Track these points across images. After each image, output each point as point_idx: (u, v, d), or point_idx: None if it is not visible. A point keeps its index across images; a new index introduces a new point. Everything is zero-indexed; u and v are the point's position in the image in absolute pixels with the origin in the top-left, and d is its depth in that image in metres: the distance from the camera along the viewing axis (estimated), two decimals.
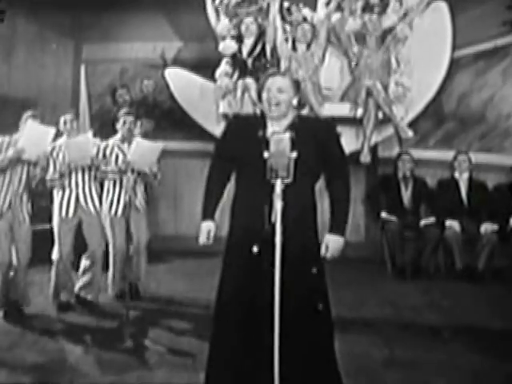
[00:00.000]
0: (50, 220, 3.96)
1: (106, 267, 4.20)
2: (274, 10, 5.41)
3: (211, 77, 5.78)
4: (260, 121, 2.38)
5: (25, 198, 3.78)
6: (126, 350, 3.23)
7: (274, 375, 2.11)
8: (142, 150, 3.97)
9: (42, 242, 3.95)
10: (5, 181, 3.68)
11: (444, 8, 5.67)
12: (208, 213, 2.46)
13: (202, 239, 2.44)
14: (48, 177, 3.84)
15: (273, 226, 2.11)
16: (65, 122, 3.95)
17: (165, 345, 3.30)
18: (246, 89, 5.50)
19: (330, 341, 2.35)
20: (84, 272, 4.01)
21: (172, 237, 6.09)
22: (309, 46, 5.48)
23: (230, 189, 2.47)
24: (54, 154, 3.88)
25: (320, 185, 2.42)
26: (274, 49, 5.57)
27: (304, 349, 2.25)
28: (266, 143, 2.21)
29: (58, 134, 3.82)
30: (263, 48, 5.55)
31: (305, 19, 5.59)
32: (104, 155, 4.05)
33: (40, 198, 4.06)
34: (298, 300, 2.21)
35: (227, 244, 2.39)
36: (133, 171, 3.99)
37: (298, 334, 2.21)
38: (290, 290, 2.14)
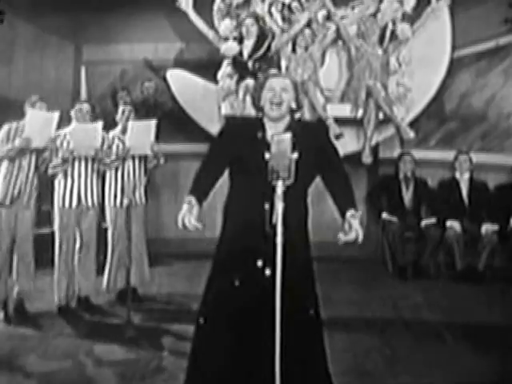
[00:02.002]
0: (51, 224, 3.96)
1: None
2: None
3: (213, 78, 5.78)
4: (258, 123, 2.38)
5: (34, 183, 3.80)
6: (127, 353, 3.23)
7: (273, 374, 2.11)
8: (138, 131, 3.97)
9: (43, 245, 3.95)
10: (14, 168, 3.70)
11: (444, 8, 5.66)
12: (199, 194, 2.26)
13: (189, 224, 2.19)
14: (51, 164, 3.83)
15: (273, 228, 2.11)
16: (80, 110, 3.89)
17: (165, 347, 3.31)
18: (247, 90, 5.50)
19: (321, 339, 2.36)
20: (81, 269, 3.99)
21: (172, 239, 6.09)
22: (307, 48, 5.49)
23: (223, 189, 2.43)
24: (58, 141, 3.85)
25: (319, 186, 2.42)
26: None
27: (300, 351, 2.25)
28: (265, 145, 2.22)
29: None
30: (268, 49, 5.54)
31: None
32: (107, 147, 4.04)
33: (41, 200, 4.04)
34: (296, 302, 2.22)
35: (220, 245, 2.36)
36: (134, 159, 3.99)
37: (294, 336, 2.21)
38: (290, 291, 2.13)
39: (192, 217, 2.19)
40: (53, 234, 3.96)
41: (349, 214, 2.23)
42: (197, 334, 2.37)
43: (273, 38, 5.55)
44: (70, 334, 3.55)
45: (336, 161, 2.41)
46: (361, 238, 2.20)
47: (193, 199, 2.23)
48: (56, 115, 3.63)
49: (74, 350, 3.27)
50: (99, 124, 3.88)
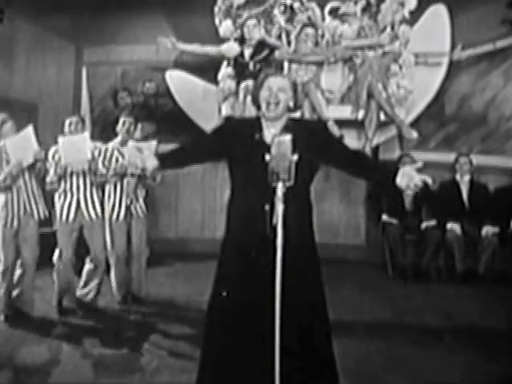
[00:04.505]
0: (51, 224, 3.96)
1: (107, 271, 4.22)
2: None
3: (213, 79, 5.78)
4: (256, 123, 2.38)
5: (37, 196, 3.81)
6: (127, 354, 3.23)
7: (273, 377, 2.10)
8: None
9: (44, 245, 3.95)
10: (14, 193, 3.71)
11: (443, 11, 5.69)
12: (164, 158, 2.39)
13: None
14: (48, 179, 3.84)
15: (274, 229, 2.11)
16: (70, 124, 3.92)
17: (165, 348, 3.31)
18: (247, 91, 5.49)
19: (329, 342, 2.35)
20: (87, 277, 4.00)
21: (172, 240, 6.10)
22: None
23: (223, 190, 2.45)
24: (56, 156, 3.86)
25: (317, 188, 2.42)
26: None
27: (303, 351, 2.25)
28: (263, 146, 2.22)
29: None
30: (271, 52, 5.53)
31: (309, 19, 5.58)
32: (104, 159, 4.03)
33: (47, 205, 4.04)
34: (297, 302, 2.21)
35: (223, 246, 2.38)
36: (132, 175, 3.99)
37: (297, 336, 2.21)
38: (290, 293, 2.13)
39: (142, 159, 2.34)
40: (53, 234, 3.98)
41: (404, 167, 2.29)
42: (205, 335, 2.38)
43: (275, 48, 5.54)
44: (70, 334, 3.55)
45: (344, 150, 2.42)
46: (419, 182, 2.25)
47: (155, 159, 2.34)
48: (30, 129, 3.65)
49: (74, 350, 3.27)
50: (86, 134, 3.87)
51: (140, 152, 2.35)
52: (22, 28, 6.17)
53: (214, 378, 2.33)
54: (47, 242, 3.98)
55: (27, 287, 3.81)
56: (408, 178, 2.24)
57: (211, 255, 2.62)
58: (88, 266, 4.01)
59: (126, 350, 3.28)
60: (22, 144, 3.64)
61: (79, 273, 4.05)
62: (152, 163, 2.34)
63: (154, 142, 4.06)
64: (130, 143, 3.98)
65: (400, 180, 2.26)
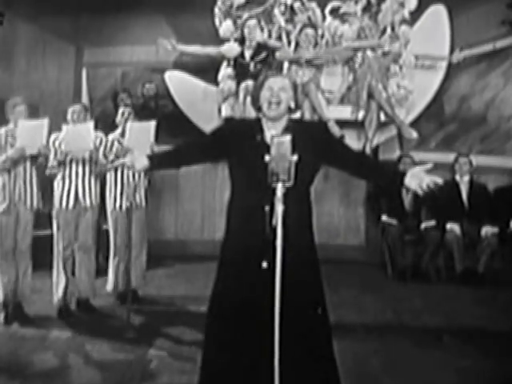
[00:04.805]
0: (50, 226, 3.96)
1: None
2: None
3: (213, 80, 5.78)
4: (256, 124, 2.37)
5: (34, 187, 3.80)
6: (127, 355, 3.23)
7: (273, 378, 2.11)
8: (137, 132, 3.94)
9: (42, 248, 3.96)
10: (11, 177, 3.70)
11: (442, 11, 5.70)
12: (157, 158, 2.43)
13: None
14: (48, 164, 3.84)
15: (273, 230, 2.11)
16: (73, 112, 3.90)
17: (165, 349, 3.31)
18: (247, 92, 5.49)
19: (329, 343, 2.35)
20: (79, 268, 3.97)
21: (172, 241, 6.10)
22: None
23: (223, 191, 2.45)
24: (57, 143, 3.86)
25: (316, 189, 2.42)
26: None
27: (303, 352, 2.25)
28: (263, 147, 2.22)
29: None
30: (272, 53, 5.53)
31: (309, 19, 5.58)
32: (105, 149, 4.04)
33: (44, 202, 4.04)
34: (297, 304, 2.21)
35: (223, 247, 2.37)
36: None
37: (297, 338, 2.21)
38: (290, 294, 2.14)
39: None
40: (52, 235, 3.96)
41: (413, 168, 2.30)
42: (205, 336, 2.38)
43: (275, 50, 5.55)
44: (70, 335, 3.55)
45: (345, 150, 2.43)
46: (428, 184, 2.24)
47: (145, 159, 2.34)
48: (45, 122, 3.62)
49: (74, 351, 3.27)
50: (90, 124, 3.85)
51: (130, 152, 2.36)
52: (22, 30, 6.17)
53: (215, 379, 2.33)
54: (45, 245, 3.98)
55: (21, 279, 3.78)
56: (418, 179, 2.24)
57: (211, 256, 2.62)
58: (77, 255, 3.96)
59: (125, 351, 3.27)
60: (33, 132, 3.59)
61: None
62: (141, 163, 2.34)
63: (152, 123, 4.07)
64: (130, 123, 4.01)
65: (409, 181, 2.26)
